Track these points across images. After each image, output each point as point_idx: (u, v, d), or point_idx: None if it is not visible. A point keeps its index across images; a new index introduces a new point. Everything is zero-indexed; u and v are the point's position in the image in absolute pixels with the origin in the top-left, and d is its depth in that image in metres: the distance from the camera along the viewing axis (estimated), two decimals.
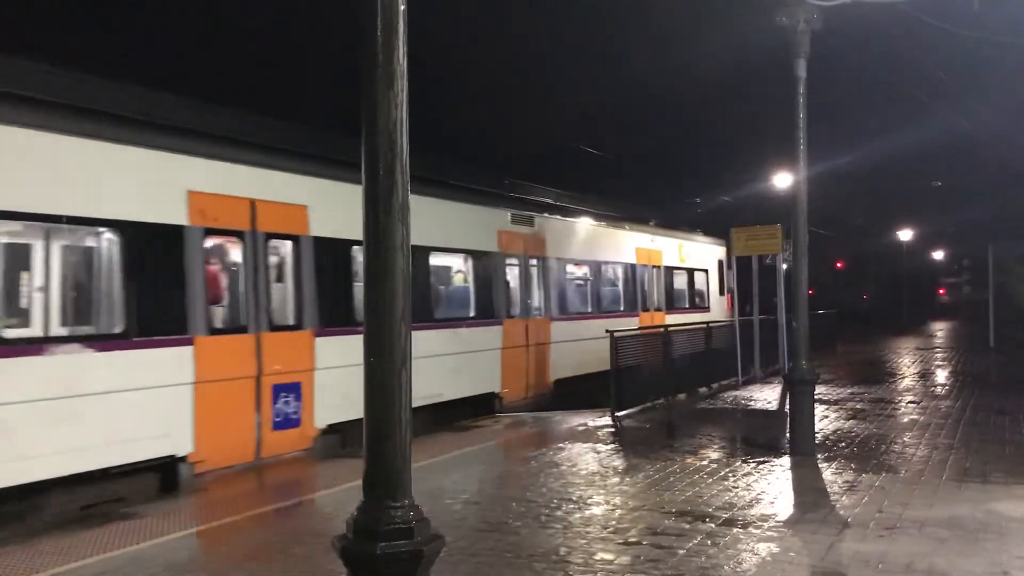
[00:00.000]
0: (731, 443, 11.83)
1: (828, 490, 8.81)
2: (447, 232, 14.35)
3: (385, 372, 3.27)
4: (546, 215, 17.86)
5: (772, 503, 8.30)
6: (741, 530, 7.31)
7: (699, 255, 25.38)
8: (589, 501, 8.48)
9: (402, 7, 3.20)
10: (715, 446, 11.53)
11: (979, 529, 7.16)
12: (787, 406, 11.50)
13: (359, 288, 11.36)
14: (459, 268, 15.55)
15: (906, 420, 13.33)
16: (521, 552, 6.81)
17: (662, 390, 15.92)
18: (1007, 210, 45.88)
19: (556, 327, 17.53)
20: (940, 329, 47.96)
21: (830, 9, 10.66)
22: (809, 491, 8.82)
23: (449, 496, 8.82)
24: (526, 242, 16.90)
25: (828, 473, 9.58)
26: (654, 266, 22.07)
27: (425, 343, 12.67)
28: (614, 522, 7.65)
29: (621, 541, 7.05)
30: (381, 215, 3.23)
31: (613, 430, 13.21)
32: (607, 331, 14.83)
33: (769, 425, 13.15)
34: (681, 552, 6.71)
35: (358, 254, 11.58)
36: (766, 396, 16.90)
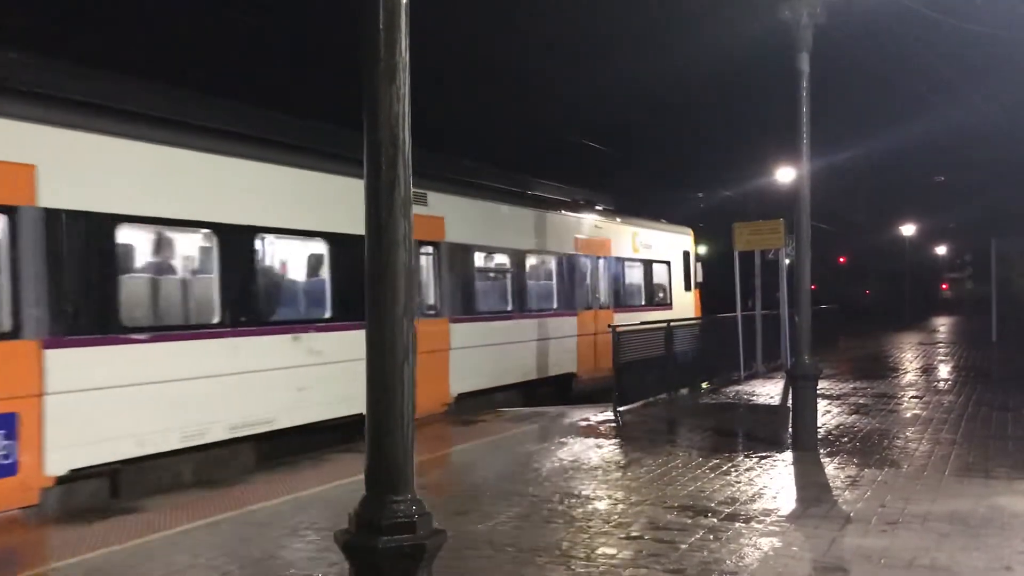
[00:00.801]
0: (733, 438, 11.83)
1: (830, 485, 8.81)
2: (277, 208, 10.88)
3: (387, 367, 3.26)
4: (447, 194, 14.28)
5: (774, 498, 8.30)
6: (743, 525, 7.31)
7: (660, 246, 22.66)
8: (591, 495, 8.48)
9: (404, 1, 3.20)
10: (717, 441, 11.53)
11: (981, 524, 7.16)
12: (789, 401, 11.50)
13: (131, 281, 9.49)
14: (313, 253, 11.94)
15: (908, 415, 13.33)
16: (523, 546, 6.82)
17: (664, 385, 15.92)
18: (1010, 204, 45.86)
19: (455, 331, 14.44)
20: (943, 324, 47.93)
21: (833, 3, 10.65)
22: (811, 486, 8.82)
23: (451, 491, 8.83)
24: (417, 225, 15.26)
25: (830, 468, 9.58)
26: (600, 257, 19.41)
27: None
28: (616, 516, 7.66)
29: (623, 535, 7.06)
30: (383, 210, 3.23)
31: (615, 425, 13.21)
32: (610, 327, 14.83)
33: (771, 420, 13.15)
34: (683, 547, 6.71)
35: (127, 234, 9.37)
36: (768, 391, 16.90)
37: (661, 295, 22.75)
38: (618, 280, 20.25)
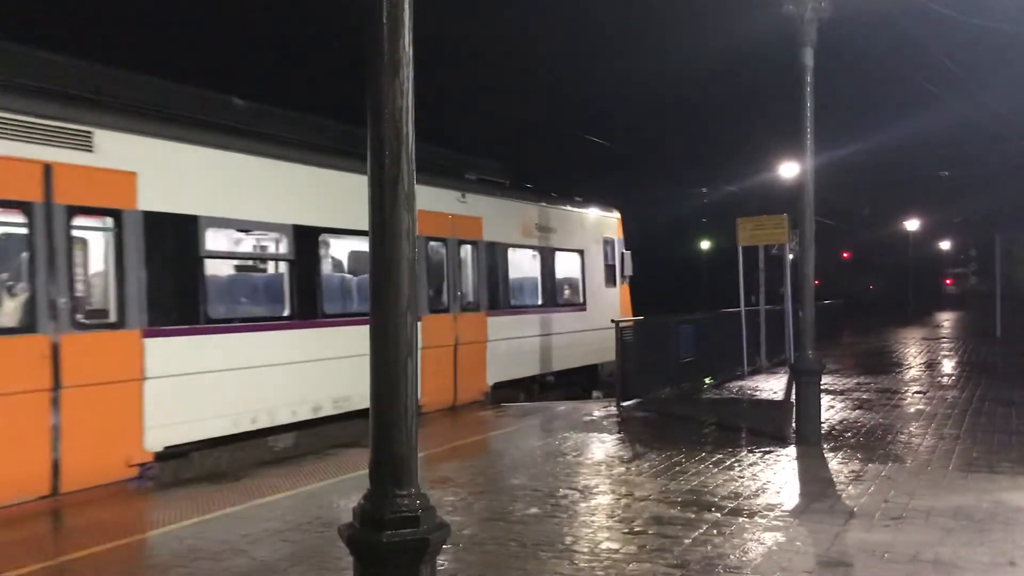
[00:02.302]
0: (737, 433, 11.82)
1: (834, 480, 8.81)
2: None
3: (390, 361, 3.26)
4: (180, 141, 9.85)
5: (778, 493, 8.30)
6: (747, 519, 7.31)
7: (568, 230, 18.25)
8: (594, 490, 8.48)
9: None
10: (721, 436, 11.52)
11: (985, 519, 7.15)
12: (793, 396, 11.49)
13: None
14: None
15: (912, 410, 13.31)
16: (526, 541, 6.82)
17: (667, 380, 15.92)
18: (1015, 199, 45.74)
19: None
20: (947, 319, 47.87)
21: None
22: (815, 481, 8.82)
23: (454, 485, 8.84)
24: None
25: (834, 463, 9.57)
26: (465, 242, 14.78)
27: None
28: (619, 511, 7.66)
29: (627, 530, 7.06)
30: (387, 204, 3.22)
31: (618, 420, 13.21)
32: (613, 321, 14.83)
33: (775, 415, 13.14)
34: (687, 541, 6.71)
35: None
36: (772, 386, 16.89)
37: (568, 293, 18.51)
38: (496, 273, 15.56)
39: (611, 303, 19.63)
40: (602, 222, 20.08)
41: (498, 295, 15.60)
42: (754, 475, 9.03)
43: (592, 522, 7.35)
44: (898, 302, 56.80)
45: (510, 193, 16.72)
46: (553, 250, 17.66)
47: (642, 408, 14.14)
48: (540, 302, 17.05)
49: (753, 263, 19.72)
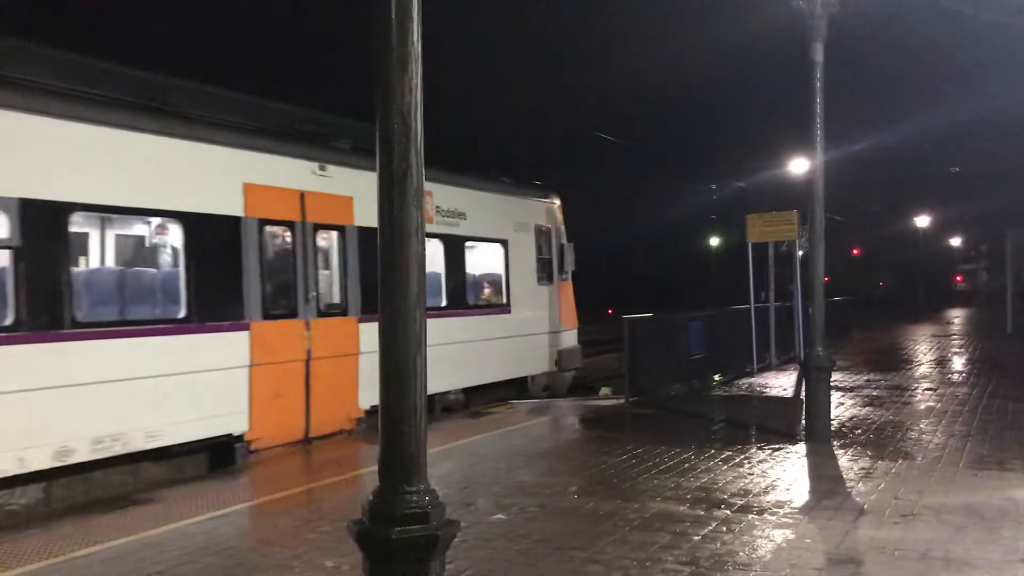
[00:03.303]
0: (746, 430, 11.80)
1: (844, 477, 8.78)
2: None
3: (400, 358, 3.27)
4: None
5: (787, 490, 8.28)
6: (756, 516, 7.30)
7: (487, 216, 15.13)
8: (601, 487, 8.47)
9: None
10: (730, 433, 11.50)
11: (997, 516, 7.11)
12: (803, 393, 11.46)
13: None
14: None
15: (923, 407, 13.27)
16: (534, 537, 6.82)
17: (676, 377, 15.90)
18: None
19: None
20: (957, 316, 47.70)
21: None
22: (825, 478, 8.79)
23: (461, 482, 8.84)
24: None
25: (844, 460, 9.54)
26: (324, 227, 11.69)
27: None
28: (628, 508, 7.65)
29: (636, 527, 7.05)
30: (396, 199, 3.23)
31: (627, 416, 13.20)
32: (624, 317, 14.76)
33: (784, 412, 13.11)
34: (696, 538, 6.70)
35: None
36: (781, 383, 16.85)
37: (486, 292, 15.60)
38: (376, 268, 12.17)
39: (546, 304, 16.55)
40: (535, 208, 16.68)
41: (377, 294, 12.89)
42: (763, 472, 9.01)
43: (599, 519, 7.34)
44: (908, 299, 56.62)
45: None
46: (463, 240, 14.32)
47: (651, 405, 14.12)
48: (444, 303, 13.71)
49: (763, 260, 19.67)
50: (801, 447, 10.32)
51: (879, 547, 6.40)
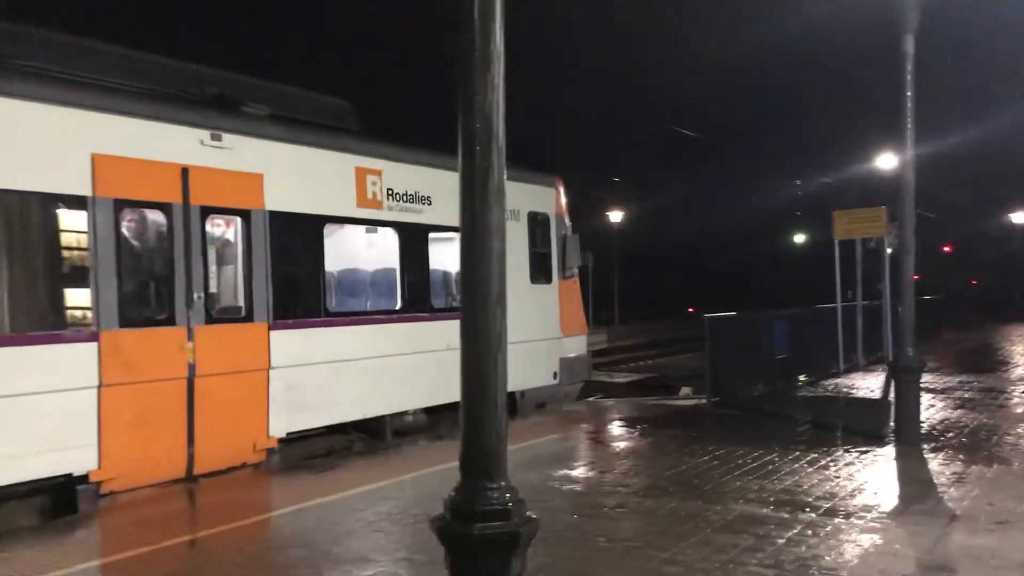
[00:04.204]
0: (832, 431, 11.52)
1: (935, 481, 8.51)
2: None
3: (481, 355, 3.30)
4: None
5: (875, 493, 8.06)
6: (843, 520, 7.13)
7: (457, 201, 9.85)
8: (682, 488, 8.39)
9: None
10: (815, 434, 11.25)
11: None
12: (891, 395, 11.15)
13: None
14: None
15: (1019, 411, 12.77)
16: (615, 537, 6.79)
17: (760, 377, 15.63)
18: None
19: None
20: None
21: None
22: (914, 482, 8.54)
23: (542, 480, 8.85)
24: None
25: (935, 464, 9.25)
26: (219, 211, 9.36)
27: None
28: (709, 510, 7.55)
29: (718, 528, 6.96)
30: (478, 199, 3.26)
31: (709, 416, 13.03)
32: (706, 316, 14.53)
33: (872, 414, 12.76)
34: (780, 541, 6.58)
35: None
36: (869, 384, 16.42)
37: (459, 293, 11.14)
38: (297, 262, 10.11)
39: (541, 306, 13.76)
40: (527, 193, 13.77)
41: (301, 296, 10.03)
42: (850, 475, 8.80)
43: (681, 520, 7.26)
44: (1003, 297, 54.56)
45: (337, 140, 10.71)
46: (425, 229, 11.75)
47: (733, 405, 13.90)
48: (399, 305, 11.36)
49: (849, 257, 19.20)
50: (890, 450, 10.04)
51: (974, 555, 6.18)
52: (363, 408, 10.64)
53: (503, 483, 3.22)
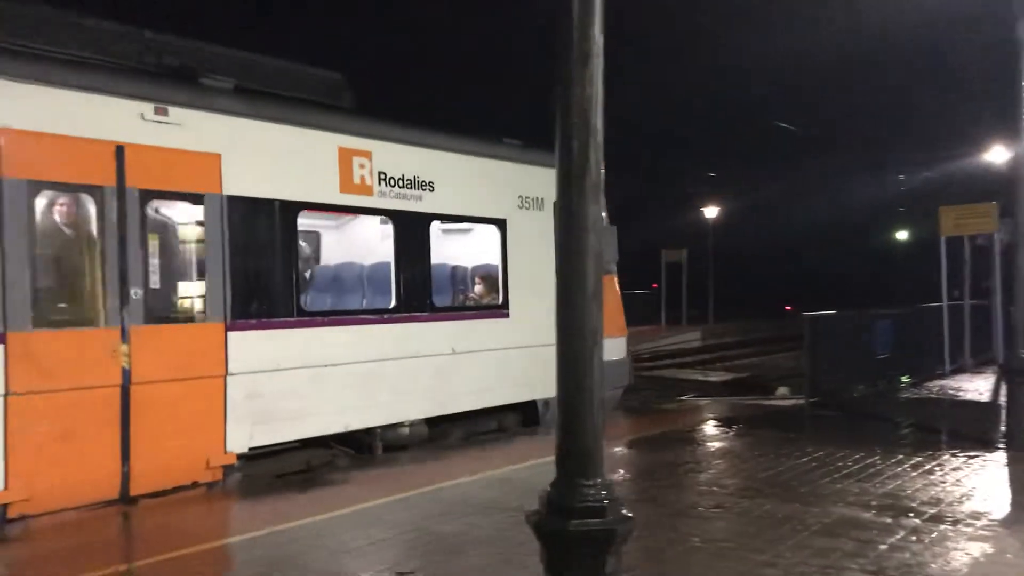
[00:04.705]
0: (937, 435, 11.12)
1: None
2: None
3: (577, 351, 3.30)
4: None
5: (985, 500, 7.74)
6: (950, 527, 6.87)
7: (467, 186, 11.14)
8: (780, 489, 8.21)
9: None
10: (919, 437, 10.88)
11: None
12: (1001, 398, 10.70)
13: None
14: None
15: None
16: (709, 537, 6.70)
17: (860, 377, 15.18)
18: None
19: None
20: None
21: None
22: None
23: (636, 478, 8.80)
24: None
25: None
26: (163, 195, 8.26)
27: None
28: (807, 512, 7.37)
29: (817, 532, 6.79)
30: (574, 194, 3.25)
31: (807, 417, 12.73)
32: (804, 314, 14.17)
33: (981, 417, 12.25)
34: (882, 547, 6.38)
35: None
36: (977, 387, 15.78)
37: (472, 289, 11.87)
38: (263, 254, 8.87)
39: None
40: (551, 178, 8.70)
41: (268, 293, 8.84)
42: (957, 480, 8.47)
43: (779, 522, 7.11)
44: None
45: (314, 117, 9.50)
46: (427, 219, 10.55)
47: (832, 406, 13.54)
48: (392, 304, 10.07)
49: (956, 255, 18.49)
50: (1000, 455, 9.63)
51: None
52: (347, 419, 9.42)
53: (599, 480, 3.22)
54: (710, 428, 12.11)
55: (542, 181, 11.94)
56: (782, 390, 17.17)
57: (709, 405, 14.49)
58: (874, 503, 7.62)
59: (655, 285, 42.26)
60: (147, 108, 7.95)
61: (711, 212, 44.76)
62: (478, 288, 11.77)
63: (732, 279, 49.84)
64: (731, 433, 11.50)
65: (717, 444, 10.89)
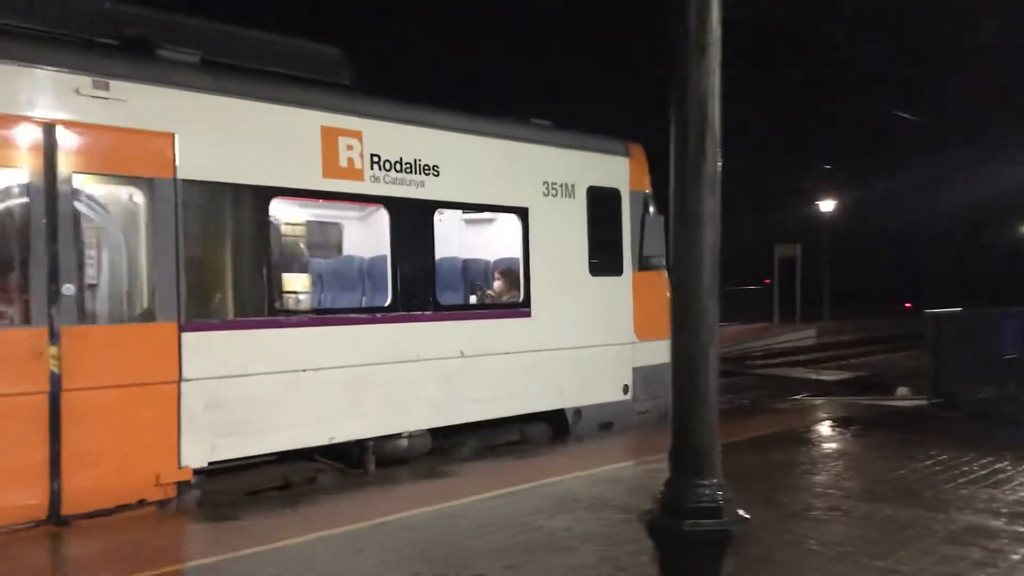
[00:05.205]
0: None
1: None
2: None
3: (692, 349, 3.24)
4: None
5: None
6: None
7: (479, 170, 9.97)
8: (901, 494, 7.89)
9: None
10: None
11: None
12: None
13: None
14: None
15: None
16: (827, 540, 6.49)
17: (988, 378, 14.46)
18: None
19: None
20: None
21: None
22: None
23: (747, 480, 8.61)
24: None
25: None
26: (111, 179, 7.46)
27: None
28: (932, 518, 7.06)
29: (941, 539, 6.50)
30: (690, 186, 3.19)
31: (930, 419, 12.22)
32: (927, 312, 13.54)
33: None
34: (1015, 557, 6.05)
35: None
36: None
37: (485, 286, 10.87)
38: (226, 246, 8.05)
39: (607, 302, 11.21)
40: (587, 163, 11.12)
41: (232, 290, 8.04)
42: None
43: (900, 528, 6.84)
44: None
45: (291, 93, 8.46)
46: (430, 207, 9.43)
47: (957, 408, 12.95)
48: (388, 302, 9.06)
49: None
50: None
51: None
52: (331, 430, 8.41)
53: (715, 480, 3.15)
54: (825, 428, 11.75)
55: (573, 165, 10.87)
56: (902, 390, 16.53)
57: (824, 405, 14.07)
58: (1004, 511, 7.25)
59: (767, 281, 41.38)
60: (83, 82, 7.04)
61: (827, 205, 43.38)
62: (497, 284, 10.70)
63: (849, 275, 48.35)
64: (848, 434, 11.13)
65: (833, 445, 10.56)
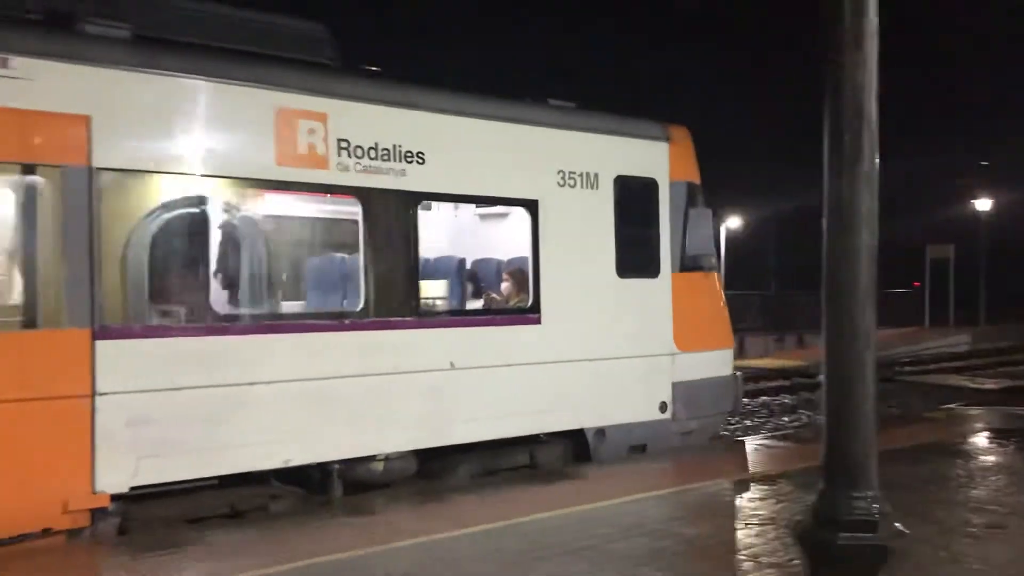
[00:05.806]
0: None
1: None
2: None
3: (846, 356, 3.13)
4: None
5: None
6: None
7: (476, 157, 8.70)
8: None
9: None
10: None
11: None
12: None
13: None
14: None
15: None
16: (991, 561, 6.12)
17: None
18: None
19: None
20: None
21: None
22: None
23: (896, 493, 8.22)
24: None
25: None
26: (7, 166, 6.34)
27: None
28: None
29: None
30: (845, 185, 3.06)
31: None
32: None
33: None
34: None
35: None
36: None
37: (487, 288, 9.78)
38: (153, 243, 6.89)
39: (639, 308, 9.79)
40: (614, 148, 9.71)
41: (160, 292, 7.04)
42: None
43: None
44: None
45: (237, 70, 7.34)
46: (413, 198, 8.21)
47: None
48: (360, 306, 7.85)
49: None
50: None
51: None
52: (287, 452, 7.30)
53: (871, 493, 3.02)
54: (982, 440, 11.10)
55: (599, 151, 9.52)
56: None
57: (981, 415, 13.29)
58: None
59: (917, 284, 39.55)
60: None
61: (983, 204, 40.99)
62: (504, 287, 9.50)
63: (1008, 278, 45.63)
64: (1009, 447, 10.48)
65: (992, 458, 9.96)
